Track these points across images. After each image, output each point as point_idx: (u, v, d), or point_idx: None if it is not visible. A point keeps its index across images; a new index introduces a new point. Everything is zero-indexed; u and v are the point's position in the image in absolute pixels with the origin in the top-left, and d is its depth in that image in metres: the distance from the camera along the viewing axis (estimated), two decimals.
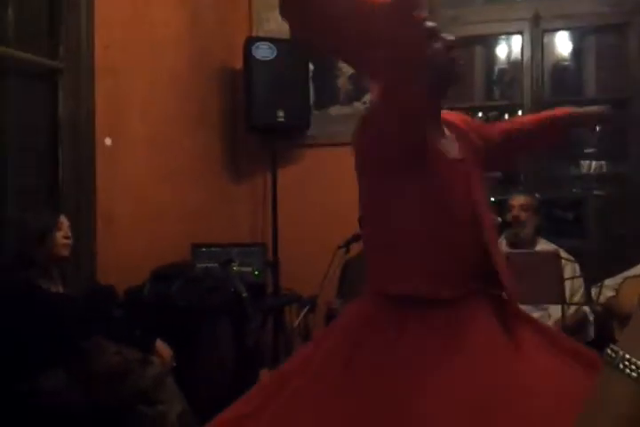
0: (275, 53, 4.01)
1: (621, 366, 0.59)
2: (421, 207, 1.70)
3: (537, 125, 2.02)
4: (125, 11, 3.43)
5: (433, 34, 1.73)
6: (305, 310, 3.18)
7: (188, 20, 3.92)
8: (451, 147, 1.80)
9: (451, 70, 1.78)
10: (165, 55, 3.71)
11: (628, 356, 0.59)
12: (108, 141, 3.32)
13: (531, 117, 2.06)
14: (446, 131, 1.83)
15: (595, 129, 1.96)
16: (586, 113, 1.99)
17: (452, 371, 1.58)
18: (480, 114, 4.62)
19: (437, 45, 1.75)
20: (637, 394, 0.58)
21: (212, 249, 3.64)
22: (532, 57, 4.15)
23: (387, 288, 1.73)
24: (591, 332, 3.28)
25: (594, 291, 3.16)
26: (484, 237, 1.73)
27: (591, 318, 3.28)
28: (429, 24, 1.69)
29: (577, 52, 4.35)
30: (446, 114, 1.91)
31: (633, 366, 0.58)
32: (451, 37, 1.78)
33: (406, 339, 1.64)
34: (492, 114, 4.72)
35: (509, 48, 4.47)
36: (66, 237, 2.72)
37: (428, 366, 1.59)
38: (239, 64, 4.09)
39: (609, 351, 0.60)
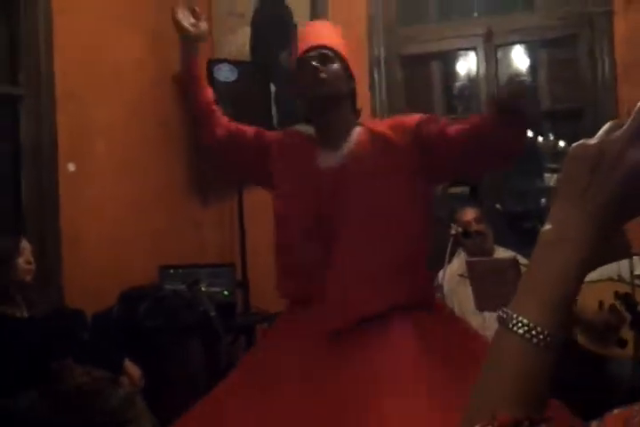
0: (236, 75, 4.07)
1: (510, 324, 0.65)
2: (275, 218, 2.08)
3: (485, 121, 2.02)
4: (84, 35, 3.47)
5: (303, 61, 2.02)
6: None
7: (148, 44, 3.96)
8: (332, 157, 1.99)
9: (314, 90, 2.00)
10: (127, 79, 3.75)
11: (515, 315, 0.65)
12: (71, 167, 3.33)
13: (476, 120, 2.06)
14: (353, 139, 1.99)
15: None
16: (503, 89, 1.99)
17: None
18: None
19: (305, 71, 1.98)
20: (524, 349, 0.64)
21: (180, 271, 3.65)
22: (487, 71, 4.25)
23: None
24: None
25: None
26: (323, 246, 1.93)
27: None
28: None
29: (530, 65, 4.47)
30: (381, 122, 2.04)
31: (520, 324, 0.64)
32: (315, 63, 1.99)
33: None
34: None
35: (468, 63, 4.58)
36: (28, 263, 2.71)
37: None
38: None
39: (500, 313, 0.67)
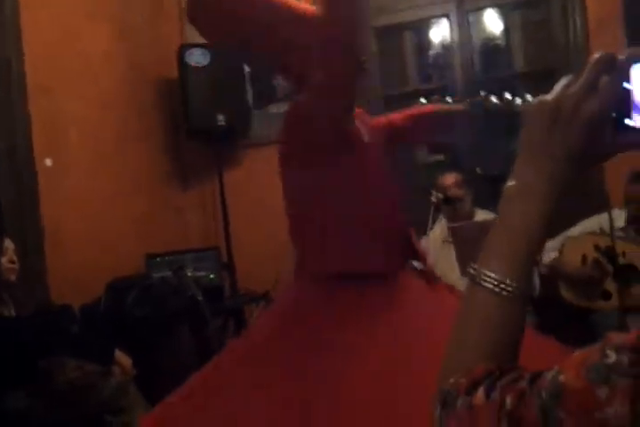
0: (208, 59, 4.05)
1: (479, 279, 0.68)
2: (347, 189, 1.79)
3: (406, 122, 2.09)
4: (52, 29, 3.45)
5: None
6: (261, 305, 3.24)
7: (118, 34, 3.94)
8: (364, 131, 1.89)
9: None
10: (98, 70, 3.74)
11: (483, 270, 0.68)
12: (48, 162, 3.34)
13: (402, 115, 2.11)
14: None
15: (452, 126, 2.03)
16: (446, 109, 2.06)
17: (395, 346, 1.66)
18: (423, 100, 4.68)
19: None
20: (494, 301, 0.67)
21: (167, 258, 3.68)
22: (460, 37, 4.22)
23: (321, 268, 1.81)
24: (537, 287, 3.37)
25: None
26: (400, 218, 1.86)
27: (537, 280, 3.38)
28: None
29: (503, 29, 4.43)
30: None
31: (488, 278, 0.68)
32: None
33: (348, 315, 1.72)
34: (434, 98, 4.79)
35: (441, 31, 4.54)
36: (11, 262, 2.74)
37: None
38: (174, 73, 4.12)
39: (470, 269, 0.70)
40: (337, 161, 1.79)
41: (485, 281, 0.67)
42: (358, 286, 1.76)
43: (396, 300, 1.77)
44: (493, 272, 0.67)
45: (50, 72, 3.41)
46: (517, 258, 0.68)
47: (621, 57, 0.65)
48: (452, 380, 0.65)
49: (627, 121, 0.67)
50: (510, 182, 0.69)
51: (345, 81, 1.69)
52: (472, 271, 0.69)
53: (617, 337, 0.57)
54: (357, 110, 2.04)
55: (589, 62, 0.66)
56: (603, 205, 3.08)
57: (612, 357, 0.55)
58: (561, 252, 3.34)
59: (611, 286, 3.16)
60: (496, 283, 0.67)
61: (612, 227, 3.03)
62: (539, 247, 0.69)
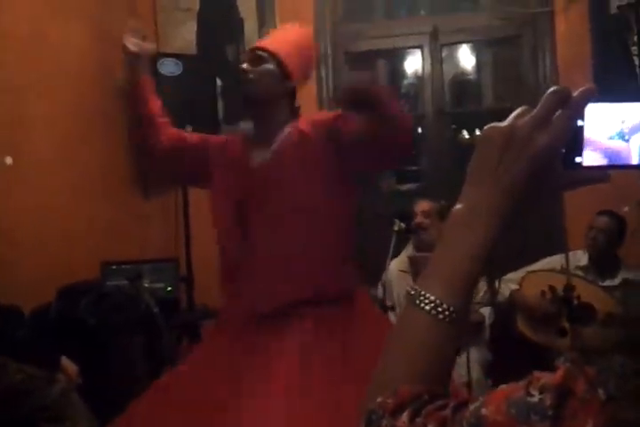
0: (181, 69, 4.02)
1: (417, 301, 0.68)
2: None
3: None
4: (23, 26, 3.38)
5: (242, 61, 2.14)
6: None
7: (91, 36, 3.88)
8: (262, 154, 2.07)
9: (243, 91, 2.10)
10: (67, 72, 3.67)
11: (423, 292, 0.68)
12: (8, 160, 3.24)
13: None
14: (283, 137, 2.07)
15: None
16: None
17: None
18: None
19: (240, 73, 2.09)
20: (429, 324, 0.67)
21: (123, 266, 3.58)
22: (432, 70, 4.30)
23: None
24: (486, 335, 3.40)
25: (496, 285, 3.28)
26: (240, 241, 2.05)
27: (488, 321, 3.40)
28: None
29: (475, 64, 4.53)
30: (306, 120, 2.12)
31: (426, 300, 0.67)
32: (243, 65, 2.11)
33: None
34: None
35: (414, 62, 4.62)
36: None
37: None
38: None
39: (409, 289, 0.69)
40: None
41: (423, 302, 0.67)
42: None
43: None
44: (432, 294, 0.67)
45: (17, 69, 3.33)
46: (457, 282, 0.68)
47: (576, 94, 0.66)
48: (379, 399, 0.65)
49: (577, 158, 0.68)
50: (458, 205, 0.70)
51: None
52: (411, 291, 0.69)
53: (543, 376, 0.57)
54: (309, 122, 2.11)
55: (543, 98, 0.67)
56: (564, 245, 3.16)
57: (535, 396, 0.55)
58: (520, 285, 3.37)
59: (567, 323, 3.20)
60: (433, 305, 0.67)
61: (567, 267, 3.10)
62: (478, 274, 0.69)
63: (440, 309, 0.66)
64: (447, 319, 0.66)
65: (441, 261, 0.69)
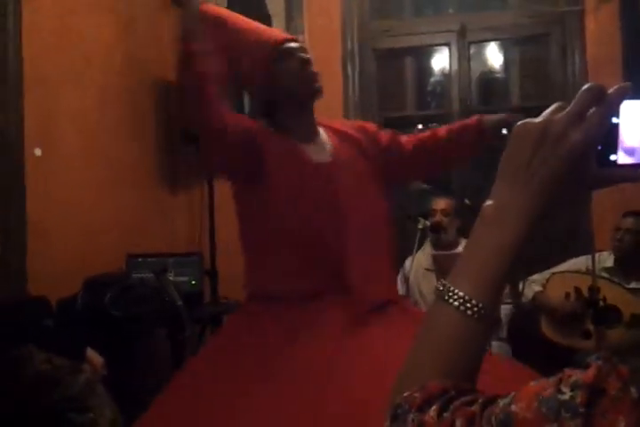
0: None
1: (446, 296, 0.68)
2: (268, 212, 1.89)
3: (450, 134, 2.09)
4: (54, 19, 3.42)
5: (287, 52, 1.93)
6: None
7: (121, 30, 3.92)
8: (319, 151, 1.95)
9: (308, 85, 1.93)
10: (97, 65, 3.70)
11: (452, 288, 0.68)
12: (37, 152, 3.29)
13: (446, 127, 2.14)
14: (325, 137, 2.00)
15: (502, 135, 2.06)
16: (493, 119, 2.08)
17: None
18: (420, 126, 4.73)
19: (292, 63, 1.92)
20: (458, 320, 0.67)
21: (148, 259, 3.62)
22: (460, 67, 4.28)
23: (248, 289, 2.00)
24: (502, 333, 3.39)
25: (520, 286, 3.26)
26: (340, 238, 1.88)
27: (505, 319, 3.39)
28: (287, 45, 1.94)
29: (502, 62, 4.51)
30: (338, 122, 2.11)
31: (455, 296, 0.67)
32: (306, 55, 1.95)
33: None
34: (432, 125, 4.84)
35: (441, 59, 4.60)
36: None
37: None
38: (173, 75, 4.10)
39: (438, 285, 0.70)
40: (254, 187, 1.89)
41: (453, 298, 0.67)
42: (273, 308, 1.87)
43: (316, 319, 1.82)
44: (461, 290, 0.67)
45: (48, 63, 3.37)
46: (486, 279, 0.67)
47: (611, 91, 0.65)
48: (406, 393, 0.65)
49: (611, 156, 0.67)
50: (488, 202, 0.69)
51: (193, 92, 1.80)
52: (440, 287, 0.69)
53: (574, 373, 0.56)
54: (348, 125, 2.10)
55: (578, 94, 0.66)
56: (590, 246, 3.13)
57: (567, 393, 0.54)
58: (545, 286, 3.35)
59: (591, 325, 3.17)
60: (462, 301, 0.67)
61: (594, 268, 3.07)
62: (509, 271, 0.68)
63: (469, 305, 0.66)
64: (475, 316, 0.66)
65: (470, 258, 0.69)
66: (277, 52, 1.93)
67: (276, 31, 2.11)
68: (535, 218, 0.66)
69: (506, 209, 0.67)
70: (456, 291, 0.67)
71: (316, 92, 1.93)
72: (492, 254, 0.67)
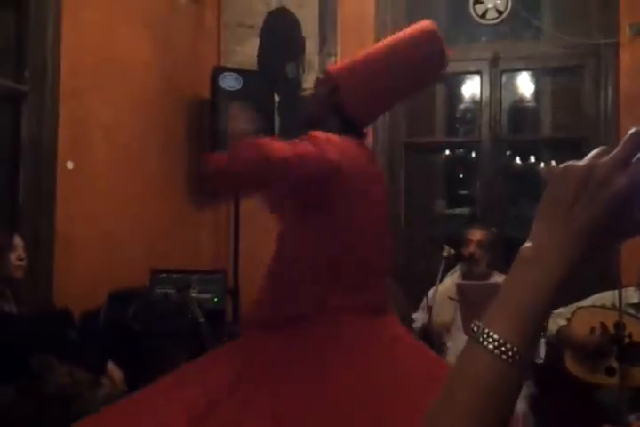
0: (241, 84, 4.09)
1: (480, 339, 0.65)
2: (323, 234, 1.90)
3: None
4: (93, 34, 3.47)
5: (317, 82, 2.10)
6: None
7: (157, 46, 3.97)
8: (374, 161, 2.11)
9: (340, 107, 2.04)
10: (132, 80, 3.75)
11: (487, 330, 0.65)
12: (69, 165, 3.32)
13: None
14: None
15: None
16: None
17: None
18: (447, 151, 4.74)
19: (321, 90, 2.06)
20: (492, 364, 0.64)
21: (172, 275, 3.63)
22: (491, 96, 4.28)
23: (272, 308, 1.96)
24: (542, 352, 3.32)
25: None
26: (383, 259, 1.99)
27: (542, 348, 3.33)
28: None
29: (534, 91, 4.51)
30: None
31: (490, 339, 0.65)
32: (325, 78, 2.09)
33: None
34: (459, 152, 4.85)
35: (472, 87, 4.62)
36: (20, 259, 2.71)
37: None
38: (206, 92, 4.15)
39: (472, 326, 0.67)
40: (313, 211, 1.90)
41: (487, 341, 0.65)
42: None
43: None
44: (496, 333, 0.65)
45: (85, 76, 3.42)
46: (523, 322, 0.65)
47: None
48: None
49: None
50: (527, 243, 0.68)
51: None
52: (474, 329, 0.67)
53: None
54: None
55: (626, 136, 0.65)
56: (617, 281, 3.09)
57: None
58: (569, 320, 3.30)
59: (616, 362, 3.12)
60: (497, 344, 0.64)
61: (620, 304, 3.03)
62: (546, 315, 0.67)
63: (503, 348, 0.64)
64: (510, 360, 0.64)
65: (506, 299, 0.67)
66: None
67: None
68: (574, 261, 0.65)
69: (545, 251, 0.66)
70: (491, 333, 0.65)
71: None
72: (529, 297, 0.65)
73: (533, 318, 0.65)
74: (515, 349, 0.64)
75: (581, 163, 0.66)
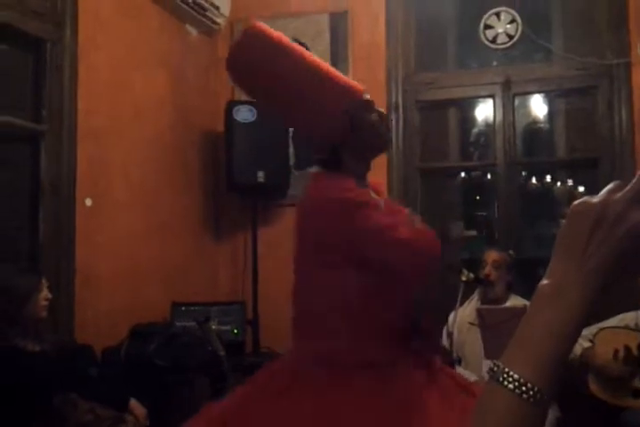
0: (255, 116, 4.13)
1: (501, 378, 0.65)
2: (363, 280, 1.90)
3: None
4: (108, 74, 3.54)
5: (369, 106, 2.01)
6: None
7: (171, 83, 4.04)
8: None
9: (384, 137, 2.09)
10: (147, 117, 3.82)
11: (507, 369, 0.65)
12: (88, 202, 3.38)
13: None
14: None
15: None
16: None
17: None
18: (463, 174, 4.73)
19: (374, 116, 2.01)
20: (513, 404, 0.64)
21: (192, 308, 3.66)
22: (504, 119, 4.28)
23: (315, 349, 1.95)
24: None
25: None
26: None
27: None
28: (366, 97, 2.01)
29: (547, 114, 4.50)
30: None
31: (510, 378, 0.64)
32: (381, 110, 2.06)
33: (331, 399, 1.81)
34: (475, 174, 4.84)
35: (485, 111, 4.62)
36: (46, 299, 2.76)
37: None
38: (220, 126, 4.21)
39: (492, 366, 0.67)
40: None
41: (508, 381, 0.64)
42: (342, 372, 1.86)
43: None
44: (517, 373, 0.64)
45: (101, 115, 3.48)
46: (544, 361, 0.65)
47: None
48: None
49: None
50: (545, 280, 0.68)
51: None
52: (494, 368, 0.66)
53: None
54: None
55: (638, 173, 0.65)
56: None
57: None
58: (593, 342, 3.26)
59: None
60: (517, 384, 0.64)
61: None
62: (567, 353, 0.66)
63: (524, 388, 0.63)
64: (532, 400, 0.63)
65: (525, 338, 0.67)
66: (362, 102, 2.01)
67: (351, 80, 2.13)
68: (592, 297, 0.65)
69: (562, 288, 0.66)
70: (511, 373, 0.64)
71: (388, 144, 2.13)
72: (549, 335, 0.65)
73: (554, 356, 0.65)
74: (536, 388, 0.63)
75: (596, 199, 0.66)
